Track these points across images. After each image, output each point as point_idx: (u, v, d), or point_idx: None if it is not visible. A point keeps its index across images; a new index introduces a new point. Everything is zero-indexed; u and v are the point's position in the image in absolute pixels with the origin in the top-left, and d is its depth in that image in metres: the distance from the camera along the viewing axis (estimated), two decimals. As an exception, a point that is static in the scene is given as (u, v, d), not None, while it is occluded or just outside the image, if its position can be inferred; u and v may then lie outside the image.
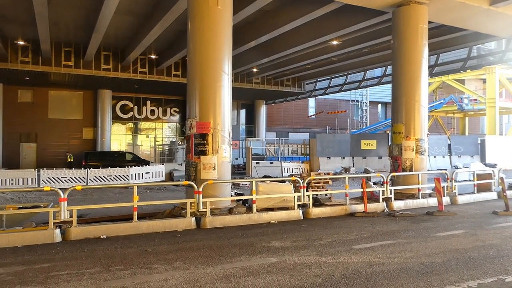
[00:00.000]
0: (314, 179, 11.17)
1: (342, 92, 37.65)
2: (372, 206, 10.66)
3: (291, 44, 20.02)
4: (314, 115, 43.71)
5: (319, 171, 18.69)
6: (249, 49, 20.64)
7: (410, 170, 12.52)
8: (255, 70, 27.20)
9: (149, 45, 20.03)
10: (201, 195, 8.75)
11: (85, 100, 30.10)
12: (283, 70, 27.31)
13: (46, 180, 17.28)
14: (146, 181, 19.40)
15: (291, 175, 20.59)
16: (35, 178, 17.28)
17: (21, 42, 20.94)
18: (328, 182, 11.75)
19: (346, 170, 22.83)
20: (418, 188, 11.92)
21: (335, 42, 19.90)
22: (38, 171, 17.51)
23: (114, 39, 21.63)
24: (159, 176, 20.41)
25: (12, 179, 17.04)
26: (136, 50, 20.83)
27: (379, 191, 11.24)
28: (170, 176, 21.15)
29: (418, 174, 12.14)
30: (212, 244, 7.07)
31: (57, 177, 17.54)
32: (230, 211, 9.39)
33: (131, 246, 6.94)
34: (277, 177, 19.68)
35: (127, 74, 24.79)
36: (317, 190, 11.03)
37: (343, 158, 24.55)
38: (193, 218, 8.63)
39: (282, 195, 9.80)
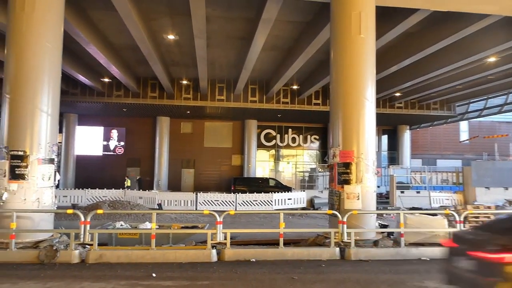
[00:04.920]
0: (472, 213, 10.02)
1: (502, 114, 33.10)
2: (550, 249, 8.99)
3: (438, 65, 18.60)
4: (467, 140, 39.22)
5: (475, 203, 16.62)
6: (391, 73, 19.95)
7: None
8: (397, 94, 25.98)
9: (291, 76, 21.07)
10: (345, 225, 8.68)
11: (234, 130, 32.99)
12: (429, 93, 25.41)
13: (202, 202, 19.45)
14: (288, 207, 20.09)
15: (441, 207, 18.80)
16: (193, 200, 19.65)
17: (184, 82, 24.44)
18: (489, 217, 10.37)
19: (511, 203, 19.77)
20: None
21: (492, 59, 17.80)
22: (196, 194, 19.87)
23: (259, 73, 23.38)
24: (300, 203, 20.90)
25: (175, 200, 19.82)
26: (279, 82, 22.12)
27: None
28: (310, 203, 21.46)
29: None
30: (358, 277, 6.91)
31: (210, 200, 19.61)
32: (375, 243, 9.06)
33: (278, 271, 7.25)
34: (426, 209, 18.25)
35: (270, 104, 26.43)
36: (475, 226, 9.84)
37: (506, 189, 21.33)
38: (337, 249, 8.59)
39: (434, 230, 9.04)
